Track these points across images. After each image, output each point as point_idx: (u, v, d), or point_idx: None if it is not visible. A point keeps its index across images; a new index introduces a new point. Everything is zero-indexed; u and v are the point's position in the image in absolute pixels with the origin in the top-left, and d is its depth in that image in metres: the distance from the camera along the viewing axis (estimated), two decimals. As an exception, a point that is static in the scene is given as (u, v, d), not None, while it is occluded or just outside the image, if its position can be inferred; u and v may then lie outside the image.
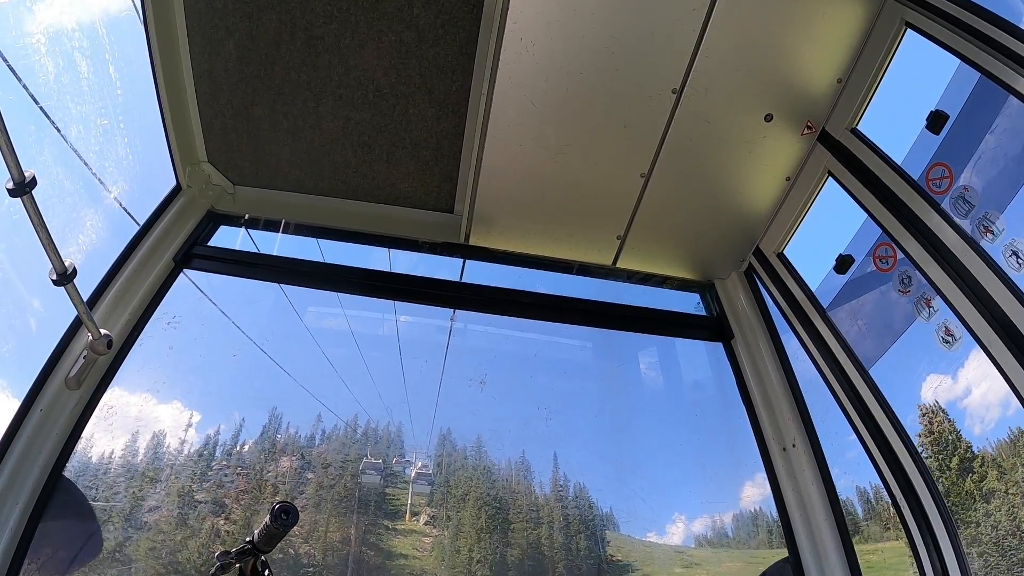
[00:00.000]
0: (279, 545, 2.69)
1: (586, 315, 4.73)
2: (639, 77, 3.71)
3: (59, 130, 4.27)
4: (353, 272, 4.47)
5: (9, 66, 3.95)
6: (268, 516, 2.56)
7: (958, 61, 3.05)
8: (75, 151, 4.39)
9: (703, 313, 4.82)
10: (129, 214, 4.28)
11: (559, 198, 4.27)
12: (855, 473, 4.01)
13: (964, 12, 2.89)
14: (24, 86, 4.05)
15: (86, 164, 4.49)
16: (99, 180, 4.56)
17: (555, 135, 3.97)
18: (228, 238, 4.44)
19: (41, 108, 4.16)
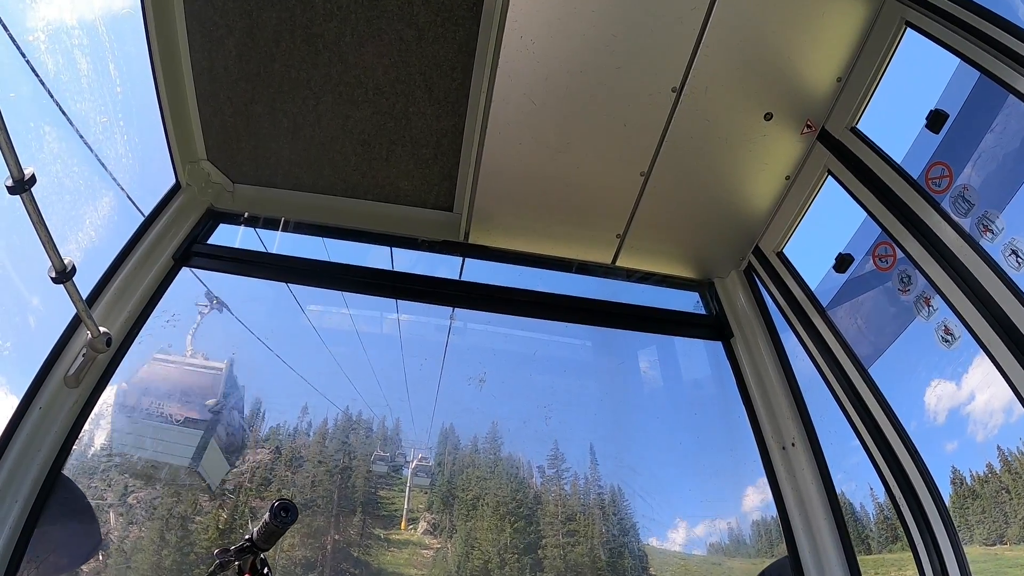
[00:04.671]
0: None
1: (585, 314, 4.73)
2: (639, 76, 3.71)
3: (71, 122, 4.26)
4: (352, 270, 4.47)
5: (26, 59, 3.95)
6: (267, 513, 2.56)
7: (958, 60, 3.05)
8: (90, 147, 4.38)
9: (702, 312, 4.82)
10: (137, 206, 4.28)
11: (559, 196, 4.27)
12: (855, 472, 4.01)
13: (964, 11, 2.89)
14: (41, 81, 4.05)
15: (100, 161, 4.49)
16: (107, 173, 4.56)
17: (555, 133, 3.97)
18: (228, 236, 4.43)
19: (57, 103, 4.16)
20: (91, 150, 4.49)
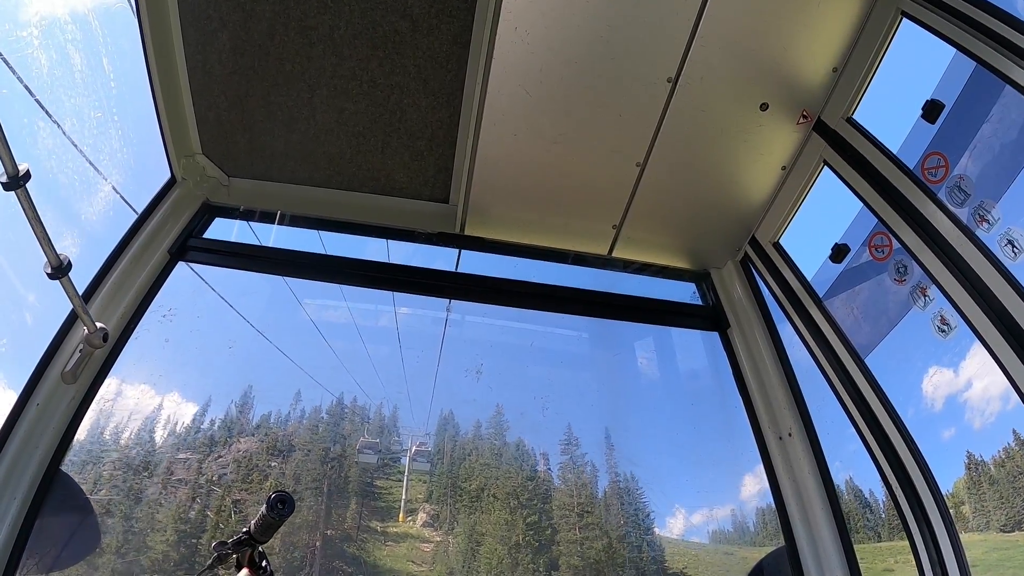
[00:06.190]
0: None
1: (582, 305, 4.73)
2: (634, 66, 3.70)
3: (58, 124, 4.25)
4: (348, 263, 4.46)
5: (4, 60, 3.93)
6: (264, 506, 2.57)
7: (954, 50, 3.04)
8: (75, 144, 4.37)
9: (699, 302, 4.82)
10: (129, 204, 4.27)
11: (554, 187, 4.26)
12: (855, 461, 4.02)
13: (959, 1, 2.89)
14: (19, 78, 4.03)
15: (90, 162, 4.48)
16: (97, 171, 4.54)
17: (550, 124, 3.96)
18: (223, 230, 4.42)
19: (37, 100, 4.14)
20: (80, 152, 4.48)
